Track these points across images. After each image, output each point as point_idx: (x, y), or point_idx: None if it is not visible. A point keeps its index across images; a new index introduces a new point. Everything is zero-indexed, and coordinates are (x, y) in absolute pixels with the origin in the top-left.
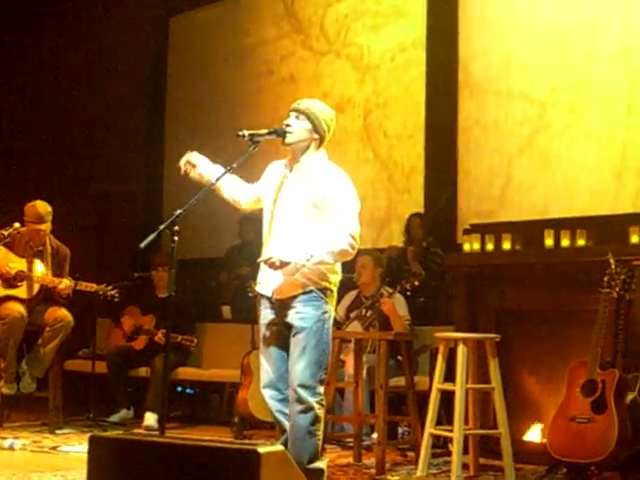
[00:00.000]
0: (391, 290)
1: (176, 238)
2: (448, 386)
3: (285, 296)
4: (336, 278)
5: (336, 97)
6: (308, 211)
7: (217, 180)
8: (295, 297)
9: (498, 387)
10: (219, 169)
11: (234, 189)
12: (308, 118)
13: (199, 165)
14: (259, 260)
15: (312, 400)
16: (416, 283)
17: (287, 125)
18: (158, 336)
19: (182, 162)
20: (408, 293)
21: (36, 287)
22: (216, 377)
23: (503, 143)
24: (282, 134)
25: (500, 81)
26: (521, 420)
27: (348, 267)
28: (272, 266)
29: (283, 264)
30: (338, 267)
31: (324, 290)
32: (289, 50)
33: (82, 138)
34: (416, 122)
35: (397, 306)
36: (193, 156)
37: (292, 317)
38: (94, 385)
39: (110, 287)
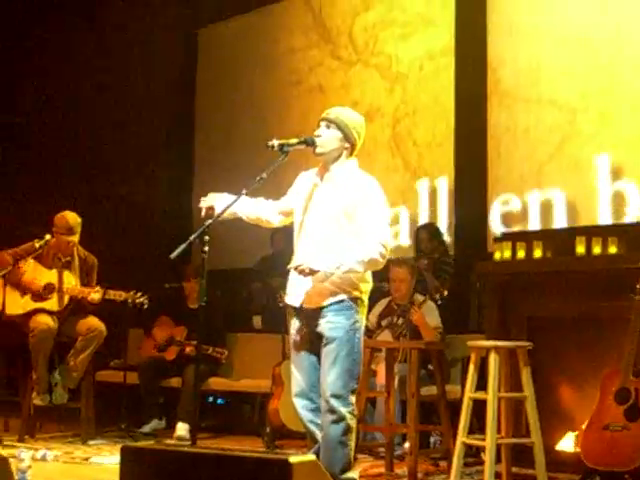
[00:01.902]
0: (422, 298)
1: (206, 248)
2: (480, 395)
3: (314, 306)
4: (367, 287)
5: (365, 106)
6: (339, 219)
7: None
8: (326, 307)
9: (530, 395)
10: (240, 200)
11: (260, 210)
12: (338, 127)
13: (217, 207)
14: (289, 267)
15: (344, 410)
16: (445, 293)
17: (317, 136)
18: (189, 347)
19: (202, 205)
20: (439, 302)
21: (66, 298)
22: (247, 387)
23: (533, 150)
24: (312, 144)
25: (529, 88)
26: (554, 429)
27: (379, 276)
28: (302, 273)
29: (312, 272)
30: (369, 276)
31: (355, 299)
32: (317, 60)
33: (112, 147)
34: (445, 130)
35: (428, 315)
36: (210, 199)
37: (323, 327)
38: (126, 396)
39: (139, 294)
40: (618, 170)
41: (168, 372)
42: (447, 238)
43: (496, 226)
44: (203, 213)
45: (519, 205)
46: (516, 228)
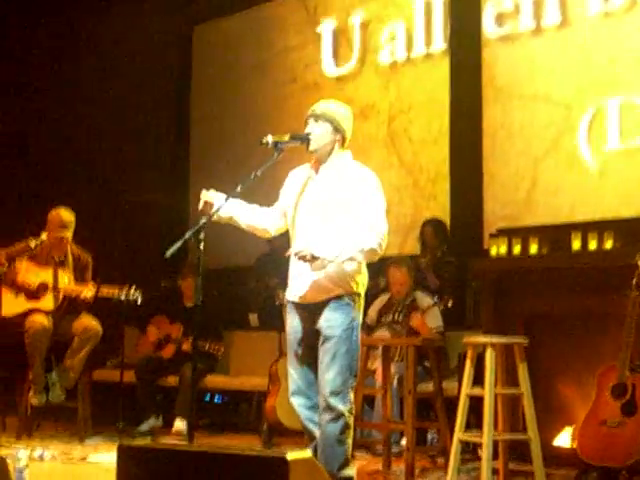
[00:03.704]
0: (427, 303)
1: (202, 246)
2: (477, 391)
3: (313, 301)
4: (364, 279)
5: (360, 103)
6: (335, 211)
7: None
8: (324, 303)
9: (527, 392)
10: (237, 202)
11: (257, 218)
12: (327, 120)
13: (215, 205)
14: (288, 253)
15: (343, 408)
16: (449, 304)
17: (309, 133)
18: (185, 345)
19: (202, 198)
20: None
21: (61, 297)
22: (244, 385)
23: (528, 146)
24: (305, 141)
25: (525, 84)
26: (551, 425)
27: (375, 271)
28: (303, 258)
29: (314, 257)
30: (364, 267)
31: (353, 295)
32: (312, 57)
33: (108, 146)
34: (441, 127)
35: (430, 317)
36: (209, 195)
37: (321, 324)
38: (123, 394)
39: (132, 289)
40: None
41: (165, 370)
42: None
43: (491, 222)
44: (201, 205)
45: (514, 201)
46: (511, 224)
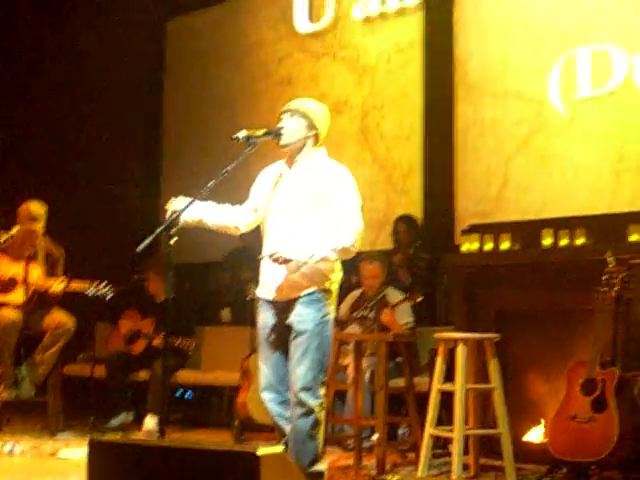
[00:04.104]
0: (397, 298)
1: (173, 241)
2: (448, 387)
3: (285, 298)
4: (337, 277)
5: (333, 99)
6: (309, 207)
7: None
8: (296, 299)
9: (498, 387)
10: (205, 205)
11: (227, 217)
12: (302, 115)
13: (183, 213)
14: (260, 256)
15: (314, 403)
16: (418, 299)
17: (281, 128)
18: (157, 340)
19: (169, 209)
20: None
21: (31, 291)
22: (216, 380)
23: (500, 143)
24: (278, 135)
25: (496, 81)
26: (522, 420)
27: (348, 268)
28: (276, 261)
29: (286, 260)
30: (338, 265)
31: (325, 291)
32: (286, 52)
33: (79, 140)
34: (413, 123)
35: (400, 313)
36: (175, 205)
37: (292, 319)
38: (94, 389)
39: (103, 284)
40: (585, 163)
41: (136, 365)
42: None
43: (463, 219)
44: (168, 215)
45: (486, 198)
46: (483, 221)
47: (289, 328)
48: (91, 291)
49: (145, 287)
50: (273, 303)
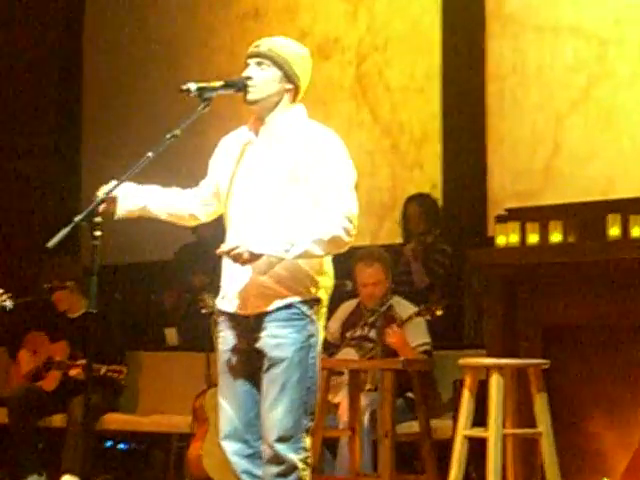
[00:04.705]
0: (407, 313)
1: (98, 234)
2: (478, 432)
3: (255, 311)
4: (327, 281)
5: (318, 38)
6: (283, 186)
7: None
8: (270, 313)
9: (547, 431)
10: (148, 188)
11: (178, 202)
12: (274, 63)
13: (120, 197)
14: (218, 251)
15: (295, 458)
16: (438, 313)
17: (247, 78)
18: (75, 370)
19: (98, 203)
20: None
21: None
22: (159, 426)
23: (549, 97)
24: (243, 88)
25: (543, 12)
26: (580, 474)
27: (341, 270)
28: (238, 259)
29: (253, 257)
30: (329, 265)
31: (309, 302)
32: None
33: None
34: (429, 70)
35: (413, 332)
36: (108, 189)
37: (265, 342)
38: None
39: (1, 292)
40: None
41: (48, 407)
42: None
43: (499, 201)
44: (101, 209)
45: (530, 172)
46: (526, 203)
47: (261, 354)
48: None
49: (53, 301)
50: (238, 318)
